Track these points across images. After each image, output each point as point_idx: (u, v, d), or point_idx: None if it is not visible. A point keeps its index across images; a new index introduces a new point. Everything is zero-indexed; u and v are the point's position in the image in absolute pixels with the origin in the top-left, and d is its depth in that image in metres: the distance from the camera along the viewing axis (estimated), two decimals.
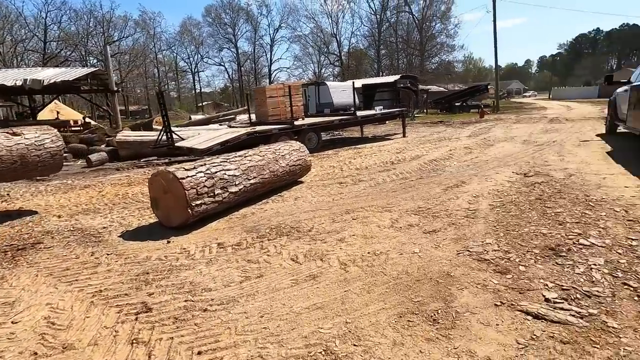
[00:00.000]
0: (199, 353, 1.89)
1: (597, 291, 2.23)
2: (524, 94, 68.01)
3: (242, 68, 60.17)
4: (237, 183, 4.34)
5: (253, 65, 60.65)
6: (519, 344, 1.82)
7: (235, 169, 4.42)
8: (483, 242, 3.07)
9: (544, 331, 1.90)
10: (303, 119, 10.50)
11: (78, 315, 2.30)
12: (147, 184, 4.25)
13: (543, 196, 4.24)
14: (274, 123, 9.51)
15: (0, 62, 34.65)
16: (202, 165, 4.08)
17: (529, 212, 3.72)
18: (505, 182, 5.03)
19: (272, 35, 59.85)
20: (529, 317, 2.02)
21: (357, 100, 13.26)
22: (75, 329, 2.15)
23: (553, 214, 3.61)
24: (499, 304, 2.17)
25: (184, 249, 3.33)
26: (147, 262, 3.08)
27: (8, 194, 6.16)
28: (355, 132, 14.61)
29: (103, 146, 10.87)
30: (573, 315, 2.01)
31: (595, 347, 1.77)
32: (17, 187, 6.77)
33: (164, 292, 2.55)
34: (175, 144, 8.04)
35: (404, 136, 12.21)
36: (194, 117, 20.71)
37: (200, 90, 66.19)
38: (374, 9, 49.81)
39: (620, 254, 2.69)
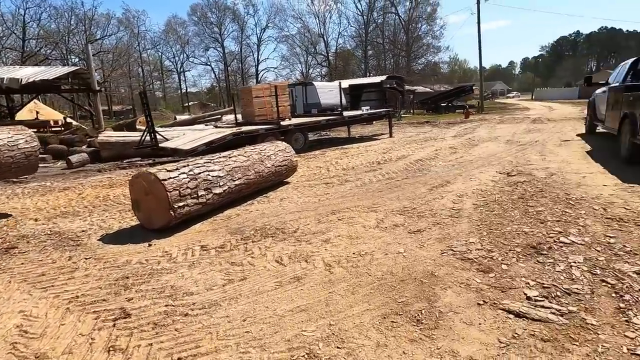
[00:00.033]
0: (179, 359, 1.84)
1: (577, 288, 2.26)
2: (508, 95, 69.36)
3: (229, 68, 59.68)
4: (221, 184, 4.28)
5: (240, 65, 60.22)
6: (501, 342, 1.83)
7: (220, 169, 4.35)
8: (467, 241, 3.10)
9: (525, 329, 1.92)
10: (290, 119, 10.46)
11: (52, 323, 2.22)
12: (129, 186, 4.15)
13: (525, 195, 4.31)
14: (260, 123, 9.43)
15: None
16: (185, 166, 4.00)
17: (511, 211, 3.77)
18: (489, 182, 5.10)
19: (259, 35, 59.61)
20: (511, 316, 2.04)
21: (344, 100, 13.29)
22: (49, 337, 2.07)
23: (535, 213, 3.67)
24: (481, 303, 2.19)
25: (166, 252, 3.26)
26: (127, 266, 2.99)
27: None
28: (343, 132, 14.63)
29: (84, 147, 10.59)
30: (553, 313, 2.03)
31: (574, 344, 1.79)
32: None
33: (143, 296, 2.48)
34: (159, 145, 7.89)
35: (390, 136, 12.28)
36: (180, 117, 20.39)
37: (187, 90, 65.42)
38: (360, 10, 50.17)
39: (598, 251, 2.75)
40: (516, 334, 1.89)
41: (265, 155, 5.21)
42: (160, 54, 59.71)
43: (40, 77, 15.27)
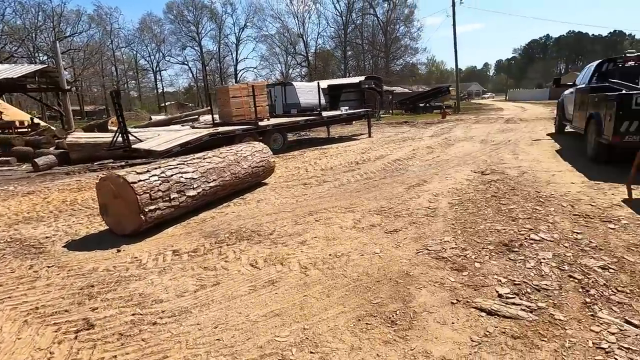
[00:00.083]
0: None
1: (546, 284, 2.32)
2: (483, 96, 71.35)
3: (206, 67, 58.54)
4: (195, 186, 4.16)
5: (218, 64, 59.25)
6: (473, 341, 1.84)
7: (193, 171, 4.23)
8: (442, 240, 3.13)
9: (497, 327, 1.94)
10: (268, 119, 10.34)
11: (8, 337, 2.08)
12: (96, 189, 3.96)
13: (498, 193, 4.41)
14: (238, 124, 9.28)
15: None
16: (156, 168, 3.86)
17: (485, 210, 3.85)
18: (464, 181, 5.19)
19: (237, 35, 58.81)
20: (483, 314, 2.06)
21: (323, 100, 13.27)
22: (3, 353, 1.93)
23: (507, 211, 3.75)
24: (455, 302, 2.20)
25: (136, 257, 3.13)
26: (93, 273, 2.85)
27: None
28: (322, 132, 14.62)
29: (52, 149, 10.11)
30: (524, 310, 2.07)
31: (543, 340, 1.82)
32: None
33: (109, 306, 2.36)
34: (132, 146, 7.63)
35: (369, 136, 12.37)
36: (155, 118, 19.84)
37: (163, 89, 63.70)
38: (339, 11, 50.36)
39: (566, 247, 2.83)
40: (488, 332, 1.90)
41: (241, 156, 5.11)
42: (135, 52, 57.96)
43: (4, 76, 14.47)
